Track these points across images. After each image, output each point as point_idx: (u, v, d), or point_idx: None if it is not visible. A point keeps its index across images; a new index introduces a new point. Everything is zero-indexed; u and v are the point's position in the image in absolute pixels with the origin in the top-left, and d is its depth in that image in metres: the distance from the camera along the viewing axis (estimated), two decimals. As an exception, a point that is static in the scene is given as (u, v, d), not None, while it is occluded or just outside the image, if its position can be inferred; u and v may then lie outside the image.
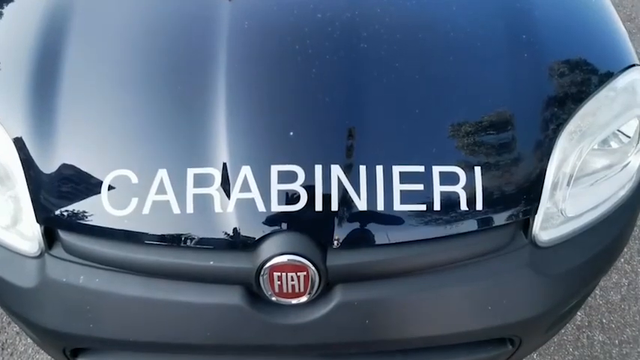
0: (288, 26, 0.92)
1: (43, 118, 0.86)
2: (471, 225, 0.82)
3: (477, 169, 0.83)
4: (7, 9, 1.03)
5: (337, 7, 0.93)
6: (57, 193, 0.84)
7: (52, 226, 0.86)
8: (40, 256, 0.87)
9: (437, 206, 0.81)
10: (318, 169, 0.79)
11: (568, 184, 0.88)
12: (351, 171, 0.80)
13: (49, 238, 0.87)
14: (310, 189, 0.79)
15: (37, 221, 0.85)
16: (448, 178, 0.81)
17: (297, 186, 0.79)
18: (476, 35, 0.95)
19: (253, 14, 0.93)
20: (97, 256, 0.84)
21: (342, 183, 0.79)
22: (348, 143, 0.82)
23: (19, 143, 0.86)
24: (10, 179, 0.87)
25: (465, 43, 0.94)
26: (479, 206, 0.82)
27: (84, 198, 0.83)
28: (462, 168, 0.82)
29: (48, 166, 0.85)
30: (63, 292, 0.85)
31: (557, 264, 0.90)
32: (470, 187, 0.82)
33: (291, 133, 0.82)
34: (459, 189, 0.81)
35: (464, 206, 0.81)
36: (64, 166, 0.84)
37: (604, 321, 1.55)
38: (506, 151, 0.86)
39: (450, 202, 0.81)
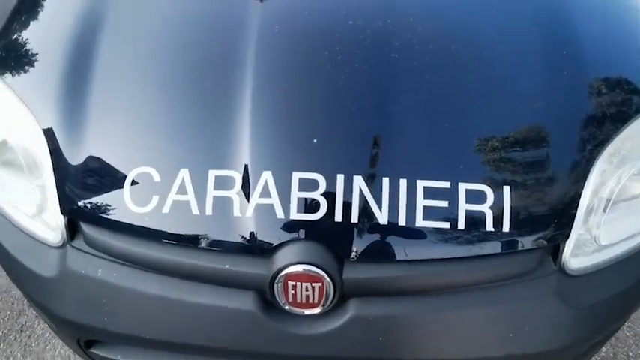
0: (318, 32, 0.91)
1: (74, 110, 0.88)
2: (495, 247, 0.79)
3: (506, 189, 0.79)
4: (46, 4, 1.06)
5: (369, 15, 0.91)
6: (82, 185, 0.85)
7: (74, 218, 0.87)
8: (62, 246, 0.89)
9: (461, 225, 0.78)
10: (340, 178, 0.78)
11: (604, 210, 0.83)
12: (373, 183, 0.78)
13: (72, 230, 0.89)
14: (331, 198, 0.77)
15: (62, 212, 0.86)
16: (475, 197, 0.78)
17: (317, 195, 0.77)
18: (512, 48, 0.91)
19: (284, 18, 0.92)
20: (116, 251, 0.84)
21: (363, 194, 0.77)
22: (372, 154, 0.80)
23: (48, 133, 0.87)
24: (38, 168, 0.89)
25: (500, 56, 0.90)
26: (505, 228, 0.78)
27: (107, 192, 0.83)
28: (490, 187, 0.79)
29: (75, 157, 0.86)
30: (81, 283, 0.86)
31: (587, 294, 0.85)
32: (497, 208, 0.79)
33: (315, 141, 0.80)
34: (485, 208, 0.78)
35: (490, 227, 0.78)
36: (90, 158, 0.85)
37: (630, 354, 1.47)
38: (539, 171, 0.82)
39: (475, 221, 0.78)
